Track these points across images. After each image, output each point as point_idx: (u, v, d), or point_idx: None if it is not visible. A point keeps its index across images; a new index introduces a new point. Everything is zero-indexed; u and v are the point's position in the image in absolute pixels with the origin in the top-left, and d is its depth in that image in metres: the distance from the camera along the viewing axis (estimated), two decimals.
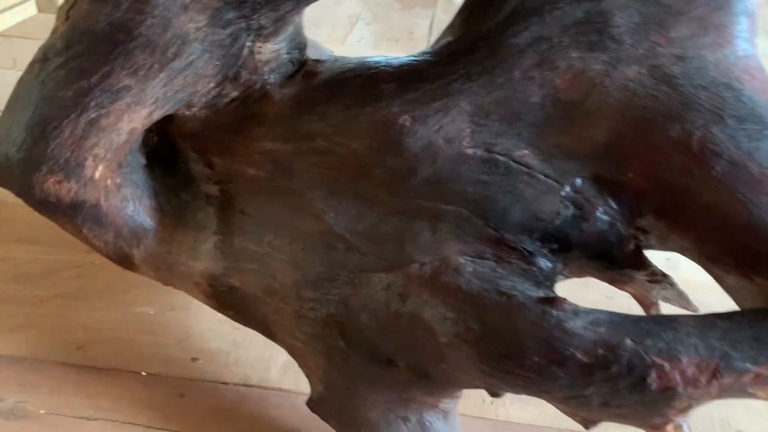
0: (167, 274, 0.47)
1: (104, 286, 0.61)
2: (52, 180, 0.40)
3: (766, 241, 0.31)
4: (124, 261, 0.46)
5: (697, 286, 0.42)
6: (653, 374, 0.29)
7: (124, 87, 0.37)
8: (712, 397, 0.30)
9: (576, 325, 0.31)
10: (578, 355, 0.30)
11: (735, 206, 0.32)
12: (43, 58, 0.38)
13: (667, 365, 0.29)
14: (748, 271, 0.32)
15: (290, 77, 0.41)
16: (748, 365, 0.29)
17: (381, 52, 1.30)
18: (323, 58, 0.43)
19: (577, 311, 0.31)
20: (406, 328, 0.36)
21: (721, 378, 0.29)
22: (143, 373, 0.52)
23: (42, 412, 0.49)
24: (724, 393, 0.29)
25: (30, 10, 1.24)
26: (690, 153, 0.32)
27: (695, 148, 0.32)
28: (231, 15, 0.36)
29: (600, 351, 0.30)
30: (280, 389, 0.52)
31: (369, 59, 0.40)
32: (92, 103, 0.37)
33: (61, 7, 0.38)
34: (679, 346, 0.29)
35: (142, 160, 0.45)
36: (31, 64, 0.39)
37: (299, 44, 0.41)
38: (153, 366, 0.53)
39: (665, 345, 0.29)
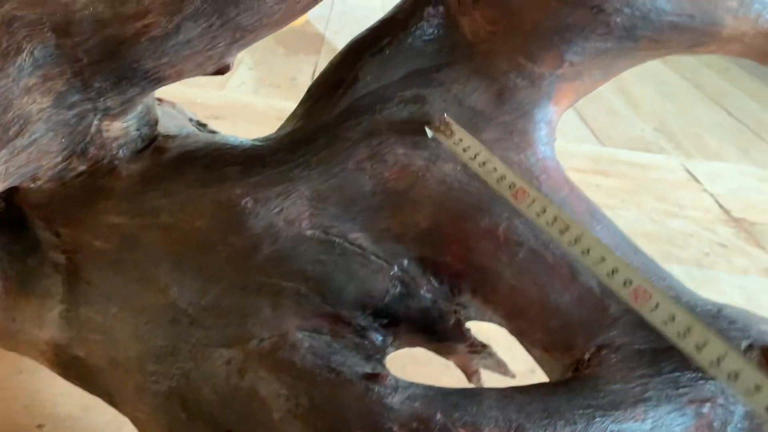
0: (11, 341, 0.46)
1: None
2: None
3: (560, 321, 0.36)
4: None
5: None
6: None
7: None
8: None
9: (395, 400, 0.34)
10: (395, 429, 0.33)
11: (535, 289, 0.36)
12: None
13: None
14: (548, 346, 0.37)
15: (139, 152, 0.42)
16: None
17: (262, 97, 1.32)
18: (175, 132, 0.44)
19: (396, 387, 0.34)
20: (244, 403, 0.38)
21: None
22: None
23: None
24: None
25: None
26: (497, 241, 0.36)
27: (501, 237, 0.36)
28: (76, 98, 0.37)
29: (414, 425, 0.33)
30: None
31: (218, 139, 0.42)
32: None
33: None
34: (481, 419, 0.33)
35: None
36: None
37: (149, 120, 0.43)
38: None
39: (470, 418, 0.33)
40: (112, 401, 0.45)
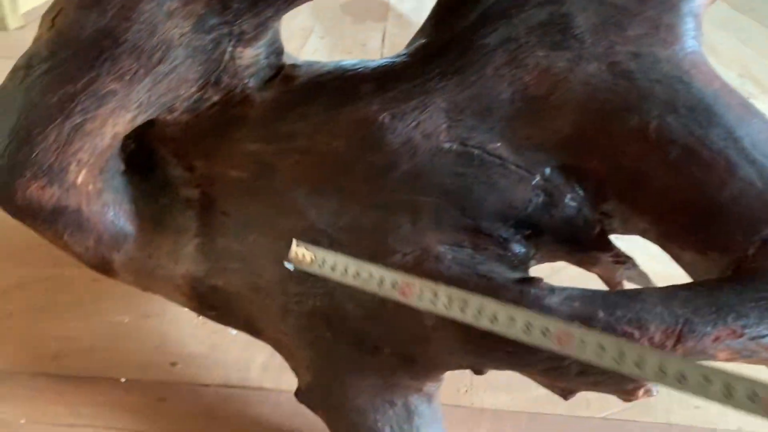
0: (147, 278, 0.48)
1: (75, 298, 0.60)
2: (35, 186, 0.41)
3: (717, 219, 0.35)
4: (104, 267, 0.47)
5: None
6: None
7: (109, 92, 0.38)
8: None
9: (552, 300, 0.33)
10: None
11: (689, 188, 0.35)
12: (27, 65, 0.39)
13: (636, 333, 0.32)
14: (702, 247, 0.36)
15: (269, 81, 0.43)
16: (709, 329, 0.32)
17: None
18: (299, 63, 0.44)
19: (552, 288, 0.34)
20: (392, 315, 0.38)
21: (686, 342, 0.32)
22: (122, 380, 0.53)
23: (22, 421, 0.48)
24: (689, 355, 0.32)
25: None
26: (647, 141, 0.35)
27: (652, 136, 0.35)
28: (214, 21, 0.38)
29: (576, 324, 0.32)
30: (261, 388, 0.53)
31: (344, 63, 0.42)
32: (78, 108, 0.38)
33: (45, 15, 0.38)
34: (646, 315, 0.32)
35: (121, 166, 0.46)
36: (14, 71, 0.39)
37: (277, 49, 0.43)
38: (131, 372, 0.53)
39: (634, 315, 0.32)
40: (251, 329, 0.46)
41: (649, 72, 0.35)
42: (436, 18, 0.40)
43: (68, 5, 0.36)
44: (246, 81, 0.42)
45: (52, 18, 0.38)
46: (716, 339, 0.31)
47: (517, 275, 0.35)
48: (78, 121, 0.39)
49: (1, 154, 0.40)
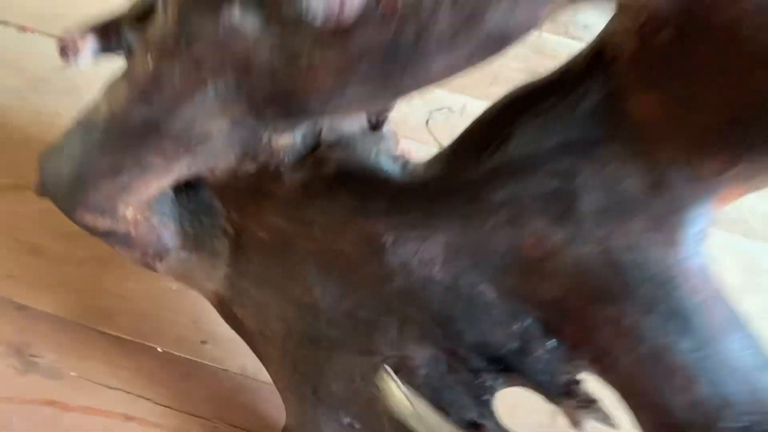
0: (185, 281, 0.55)
1: None
2: (89, 217, 0.47)
3: (667, 419, 0.37)
4: (149, 267, 0.54)
5: None
6: None
7: (153, 164, 0.43)
8: None
9: None
10: None
11: (650, 384, 0.37)
12: (85, 125, 0.43)
13: None
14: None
15: (302, 160, 0.45)
16: None
17: None
18: (337, 138, 0.47)
19: None
20: (364, 404, 0.43)
21: None
22: (159, 349, 0.61)
23: (73, 374, 0.58)
24: None
25: None
26: (620, 331, 0.37)
27: (625, 329, 0.37)
28: (252, 121, 0.41)
29: None
30: (272, 383, 0.60)
31: (372, 161, 0.44)
32: (125, 173, 0.43)
33: (105, 91, 0.42)
34: None
35: (170, 192, 0.51)
36: (78, 124, 0.44)
37: (315, 131, 0.45)
38: (168, 343, 0.62)
39: None
40: (258, 358, 0.53)
41: (639, 270, 0.36)
42: (455, 151, 0.41)
43: (121, 95, 0.40)
44: (282, 158, 0.45)
45: (108, 97, 0.41)
46: None
47: (474, 415, 0.39)
48: (125, 181, 0.44)
49: (62, 188, 0.46)
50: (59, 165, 0.46)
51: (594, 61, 0.37)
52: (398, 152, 0.47)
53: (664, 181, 0.35)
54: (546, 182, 0.37)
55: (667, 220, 0.36)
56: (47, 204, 0.62)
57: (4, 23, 0.97)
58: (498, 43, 0.33)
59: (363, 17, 0.32)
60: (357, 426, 0.45)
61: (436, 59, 0.34)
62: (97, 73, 0.87)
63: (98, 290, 0.65)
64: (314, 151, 0.46)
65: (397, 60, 0.34)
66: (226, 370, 0.61)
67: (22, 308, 0.63)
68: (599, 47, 0.36)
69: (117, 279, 0.66)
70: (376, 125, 0.50)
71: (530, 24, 0.33)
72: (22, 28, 0.97)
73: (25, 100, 0.86)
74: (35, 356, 0.59)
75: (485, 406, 0.41)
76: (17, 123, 0.83)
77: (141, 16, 0.42)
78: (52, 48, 0.90)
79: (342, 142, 0.46)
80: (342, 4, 0.31)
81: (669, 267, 0.36)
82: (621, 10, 0.35)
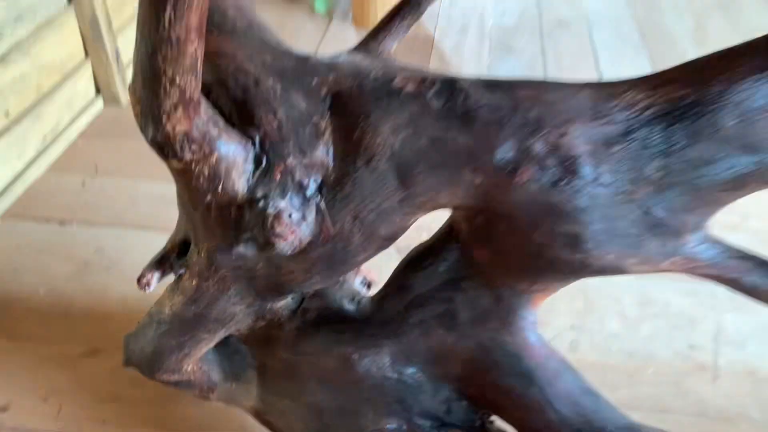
0: (231, 403, 0.80)
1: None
2: (164, 376, 0.72)
3: None
4: (205, 399, 0.79)
5: None
6: None
7: (203, 338, 0.68)
8: None
9: None
10: None
11: (520, 415, 0.61)
12: (157, 318, 0.69)
13: None
14: None
15: (294, 312, 0.71)
16: None
17: None
18: (317, 292, 0.72)
19: None
20: None
21: None
22: None
23: None
24: None
25: (98, 105, 1.54)
26: (499, 392, 0.62)
27: (500, 387, 0.61)
28: (260, 302, 0.66)
29: None
30: None
31: (336, 303, 0.70)
32: (185, 347, 0.68)
33: (165, 295, 0.68)
34: None
35: (211, 350, 0.76)
36: (149, 314, 0.70)
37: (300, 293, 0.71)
38: None
39: None
40: None
41: (500, 350, 0.61)
42: (384, 296, 0.67)
43: (177, 301, 0.66)
44: (281, 313, 0.70)
45: (170, 304, 0.67)
46: None
47: None
48: (186, 351, 0.69)
49: (145, 360, 0.71)
50: (140, 345, 0.71)
51: (450, 232, 0.63)
52: (362, 280, 0.73)
53: (501, 296, 0.61)
54: (437, 307, 0.63)
55: (509, 319, 0.61)
56: (115, 362, 0.87)
57: (47, 219, 1.24)
58: (389, 240, 0.59)
59: (312, 243, 0.58)
60: None
61: (360, 255, 0.60)
62: (128, 255, 1.14)
63: (169, 419, 0.89)
64: (300, 305, 0.71)
65: (335, 260, 0.60)
66: None
67: None
68: (450, 225, 0.63)
69: (182, 408, 0.91)
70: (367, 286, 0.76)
71: (405, 227, 0.59)
72: (63, 222, 1.24)
73: (76, 281, 1.12)
74: None
75: None
76: (75, 300, 1.08)
77: (181, 249, 0.68)
78: (90, 235, 1.20)
79: (318, 296, 0.72)
80: (300, 242, 0.58)
81: (517, 345, 0.61)
82: (453, 210, 0.61)
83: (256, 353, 0.75)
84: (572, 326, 1.03)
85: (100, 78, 1.55)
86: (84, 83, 1.51)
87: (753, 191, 0.54)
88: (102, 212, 1.26)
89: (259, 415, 0.78)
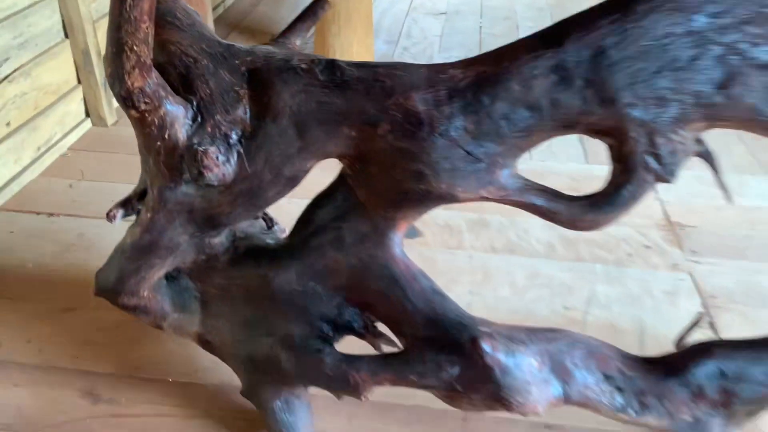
0: (178, 333, 1.00)
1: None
2: (125, 299, 0.93)
3: (407, 330, 0.82)
4: (159, 328, 0.99)
5: None
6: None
7: (155, 263, 0.89)
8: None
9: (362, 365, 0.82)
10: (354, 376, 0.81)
11: (394, 316, 0.82)
12: (120, 250, 0.90)
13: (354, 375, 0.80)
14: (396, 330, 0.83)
15: (227, 249, 0.92)
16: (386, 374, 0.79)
17: None
18: (244, 233, 0.93)
19: (351, 358, 0.82)
20: (271, 362, 0.88)
21: (381, 383, 0.80)
22: (170, 379, 1.04)
23: (123, 400, 1.01)
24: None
25: (87, 125, 1.78)
26: (369, 292, 0.83)
27: (377, 294, 0.82)
28: (198, 234, 0.87)
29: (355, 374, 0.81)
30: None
31: (259, 241, 0.91)
32: (141, 270, 0.89)
33: (127, 232, 0.89)
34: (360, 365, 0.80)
35: (164, 281, 0.97)
36: (114, 251, 0.91)
37: (231, 232, 0.92)
38: (175, 375, 1.05)
39: (368, 364, 0.80)
40: (222, 359, 0.97)
41: (372, 263, 0.82)
42: (294, 230, 0.88)
43: (136, 232, 0.87)
44: (217, 250, 0.91)
45: (130, 234, 0.88)
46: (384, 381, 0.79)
47: (331, 347, 0.84)
48: (143, 275, 0.90)
49: (110, 286, 0.91)
50: (107, 275, 0.92)
51: (341, 178, 0.85)
52: (276, 232, 0.95)
53: (376, 224, 0.82)
54: (330, 234, 0.84)
55: (383, 238, 0.83)
56: (89, 317, 1.07)
57: (38, 212, 1.46)
58: (293, 180, 0.82)
59: (234, 181, 0.80)
60: (275, 376, 0.89)
61: (270, 191, 0.82)
62: (106, 239, 1.36)
63: (131, 356, 1.09)
64: (233, 243, 0.92)
65: (253, 195, 0.82)
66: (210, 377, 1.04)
67: (87, 373, 1.06)
68: (341, 173, 0.85)
69: (142, 348, 1.10)
70: (270, 225, 0.97)
71: (304, 169, 0.81)
72: (51, 214, 1.45)
73: (60, 258, 1.32)
74: (99, 395, 1.02)
75: (332, 343, 0.86)
76: (59, 271, 1.28)
77: (141, 195, 0.89)
78: (74, 224, 1.41)
79: (246, 237, 0.93)
80: (224, 176, 0.79)
81: (385, 257, 0.82)
82: (340, 160, 0.83)
83: (199, 285, 0.95)
84: (470, 292, 1.24)
85: (90, 102, 1.79)
86: (75, 105, 1.75)
87: (541, 140, 0.76)
88: (85, 207, 1.47)
89: (201, 338, 0.98)
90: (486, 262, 1.31)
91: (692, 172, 1.66)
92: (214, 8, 2.51)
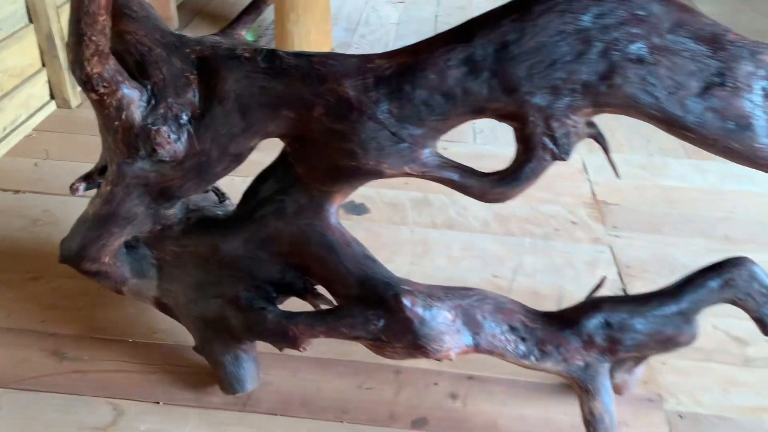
0: (138, 297, 1.09)
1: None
2: (87, 264, 1.02)
3: (341, 291, 0.93)
4: (118, 292, 1.08)
5: None
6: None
7: (114, 232, 0.98)
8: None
9: (299, 320, 0.92)
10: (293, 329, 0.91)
11: (328, 276, 0.93)
12: (81, 220, 0.99)
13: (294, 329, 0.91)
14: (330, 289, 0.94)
15: (180, 220, 1.02)
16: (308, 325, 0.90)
17: None
18: (196, 206, 1.03)
19: (291, 314, 0.93)
20: (218, 321, 0.98)
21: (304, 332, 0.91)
22: (130, 340, 1.14)
23: (86, 358, 1.11)
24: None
25: (51, 107, 1.84)
26: (317, 260, 0.93)
27: (315, 257, 0.93)
28: (153, 205, 0.97)
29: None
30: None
31: (210, 213, 1.01)
32: (102, 238, 0.99)
33: (89, 203, 0.98)
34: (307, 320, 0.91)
35: (123, 248, 1.06)
36: (77, 221, 1.00)
37: (184, 205, 1.02)
38: (135, 336, 1.15)
39: (304, 318, 0.91)
40: (178, 320, 1.07)
41: (310, 231, 0.93)
42: (241, 202, 0.98)
43: (97, 203, 0.96)
44: (172, 220, 1.01)
45: (91, 205, 0.97)
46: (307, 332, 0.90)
47: (277, 310, 0.95)
48: (103, 242, 0.99)
49: (73, 252, 1.01)
50: (70, 243, 1.01)
51: (283, 155, 0.95)
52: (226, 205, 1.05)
53: (313, 196, 0.93)
54: (273, 206, 0.95)
55: (320, 209, 0.93)
56: (54, 284, 1.16)
57: (4, 190, 1.53)
58: (238, 157, 0.92)
59: (185, 157, 0.90)
60: (224, 335, 0.99)
61: (218, 167, 0.92)
62: (71, 215, 1.42)
63: (94, 319, 1.18)
64: (186, 214, 1.02)
65: (202, 170, 0.92)
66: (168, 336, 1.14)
67: (53, 335, 1.15)
68: (283, 151, 0.95)
69: (104, 312, 1.19)
70: (221, 199, 1.07)
71: (248, 147, 0.91)
72: (17, 191, 1.52)
73: (26, 231, 1.40)
74: (64, 354, 1.11)
75: (274, 303, 0.97)
76: (25, 244, 1.36)
77: (101, 170, 0.98)
78: (39, 200, 1.50)
79: (198, 209, 1.03)
80: (175, 153, 0.89)
81: (322, 226, 0.93)
82: (281, 139, 0.93)
83: (155, 253, 1.05)
84: (411, 263, 1.35)
85: (54, 85, 1.85)
86: (40, 88, 1.81)
87: (457, 124, 0.87)
88: (50, 185, 1.55)
89: (158, 302, 1.08)
90: (426, 236, 1.42)
91: (620, 155, 1.80)
92: None
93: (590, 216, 1.50)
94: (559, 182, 1.61)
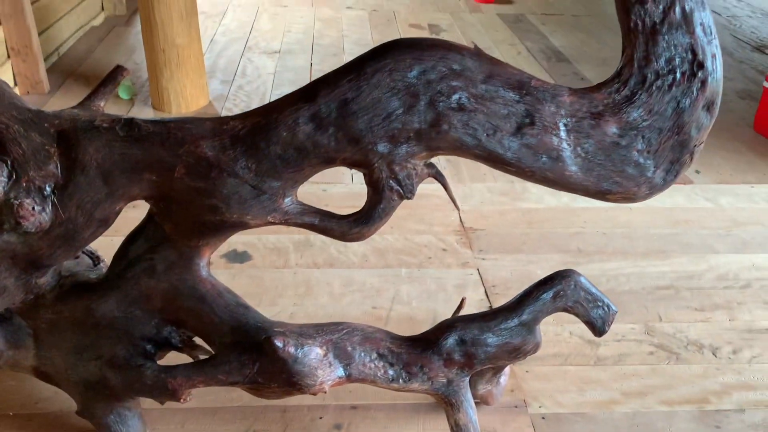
0: (17, 368, 1.09)
1: None
2: None
3: (211, 337, 0.97)
4: None
5: None
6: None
7: None
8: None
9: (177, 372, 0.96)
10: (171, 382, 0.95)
11: (191, 321, 0.98)
12: None
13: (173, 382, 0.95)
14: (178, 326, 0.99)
15: (53, 286, 1.03)
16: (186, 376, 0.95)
17: None
18: (69, 271, 1.05)
19: (168, 368, 0.96)
20: (98, 384, 1.00)
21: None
22: (11, 413, 1.13)
23: None
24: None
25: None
26: (193, 314, 0.98)
27: (190, 312, 0.98)
28: (25, 276, 0.98)
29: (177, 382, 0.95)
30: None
31: (83, 278, 1.03)
32: None
33: None
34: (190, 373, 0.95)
35: None
36: None
37: (57, 272, 1.04)
38: (17, 409, 1.14)
39: (182, 370, 0.95)
40: (59, 386, 1.07)
41: (182, 286, 0.98)
42: (114, 261, 1.02)
43: None
44: (44, 288, 1.03)
45: None
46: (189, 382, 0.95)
47: (155, 366, 0.98)
48: None
49: None
50: None
51: (150, 216, 1.00)
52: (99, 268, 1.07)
53: (182, 252, 0.98)
54: (143, 264, 0.99)
55: (189, 263, 0.98)
56: None
57: None
58: (104, 221, 0.95)
59: (51, 226, 0.93)
60: (108, 396, 1.01)
61: (85, 232, 0.95)
62: None
63: None
64: (59, 281, 1.04)
65: (69, 237, 0.95)
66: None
67: None
68: (149, 212, 1.00)
69: None
70: (95, 262, 1.10)
71: (113, 211, 0.95)
72: None
73: None
74: None
75: (153, 358, 1.00)
76: None
77: None
78: None
79: (71, 274, 1.05)
80: (41, 223, 0.92)
81: (194, 280, 0.98)
82: (146, 201, 0.98)
83: (30, 322, 1.06)
84: (294, 304, 1.41)
85: None
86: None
87: (312, 173, 0.95)
88: None
89: (37, 371, 1.08)
90: (309, 276, 1.49)
91: (484, 185, 1.96)
92: (48, 57, 2.54)
93: (459, 242, 1.62)
94: (431, 213, 1.72)
